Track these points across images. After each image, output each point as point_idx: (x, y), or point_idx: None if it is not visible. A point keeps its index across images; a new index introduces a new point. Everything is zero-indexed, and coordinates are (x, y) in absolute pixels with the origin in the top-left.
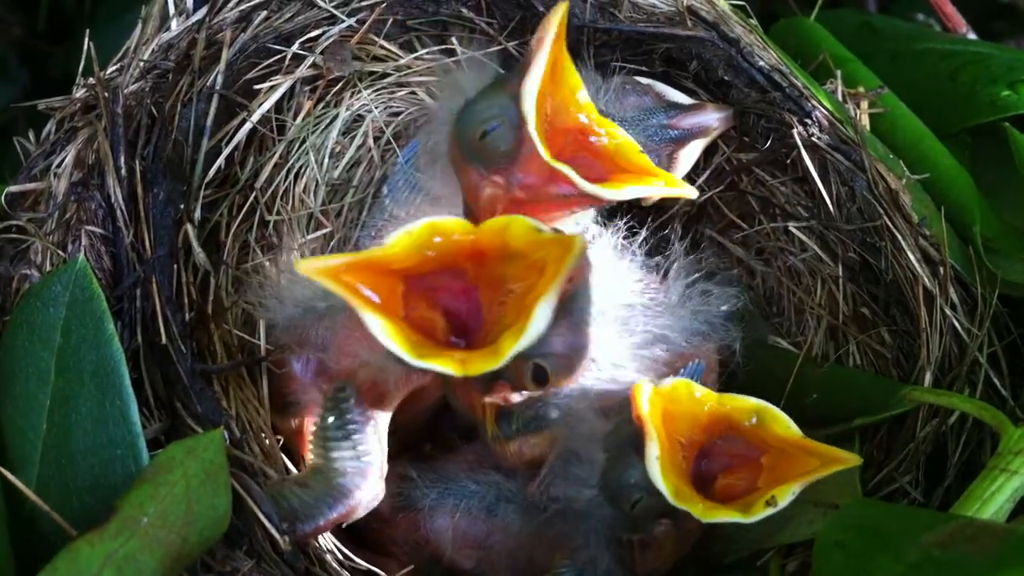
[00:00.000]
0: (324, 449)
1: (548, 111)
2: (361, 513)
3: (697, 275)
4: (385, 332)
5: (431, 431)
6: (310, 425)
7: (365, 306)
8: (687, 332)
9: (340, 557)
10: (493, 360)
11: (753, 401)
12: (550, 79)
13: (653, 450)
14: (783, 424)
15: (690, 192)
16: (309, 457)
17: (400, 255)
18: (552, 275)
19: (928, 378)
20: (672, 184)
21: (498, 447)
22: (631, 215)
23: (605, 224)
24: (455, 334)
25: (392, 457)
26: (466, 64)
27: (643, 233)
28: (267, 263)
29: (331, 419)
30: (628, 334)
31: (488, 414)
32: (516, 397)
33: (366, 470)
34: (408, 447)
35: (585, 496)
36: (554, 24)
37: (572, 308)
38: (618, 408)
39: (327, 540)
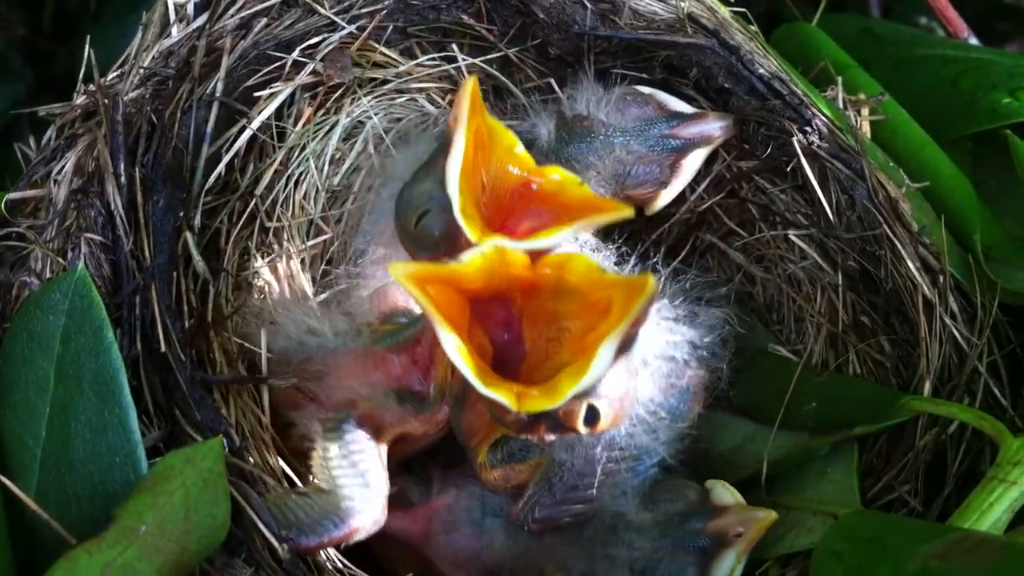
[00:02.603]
0: (330, 477)
1: (485, 179)
2: (361, 537)
3: (683, 299)
4: (459, 354)
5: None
6: (314, 451)
7: (445, 324)
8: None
9: (339, 565)
10: (551, 399)
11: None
12: (479, 149)
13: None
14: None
15: (627, 212)
16: (315, 482)
17: (471, 275)
18: (619, 317)
19: (927, 387)
20: (610, 211)
21: (484, 474)
22: (633, 225)
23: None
24: (495, 364)
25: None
26: (408, 138)
27: (632, 259)
28: (265, 280)
29: (335, 447)
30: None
31: (483, 443)
32: (550, 437)
33: (372, 496)
34: (407, 469)
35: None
36: (465, 100)
37: (627, 353)
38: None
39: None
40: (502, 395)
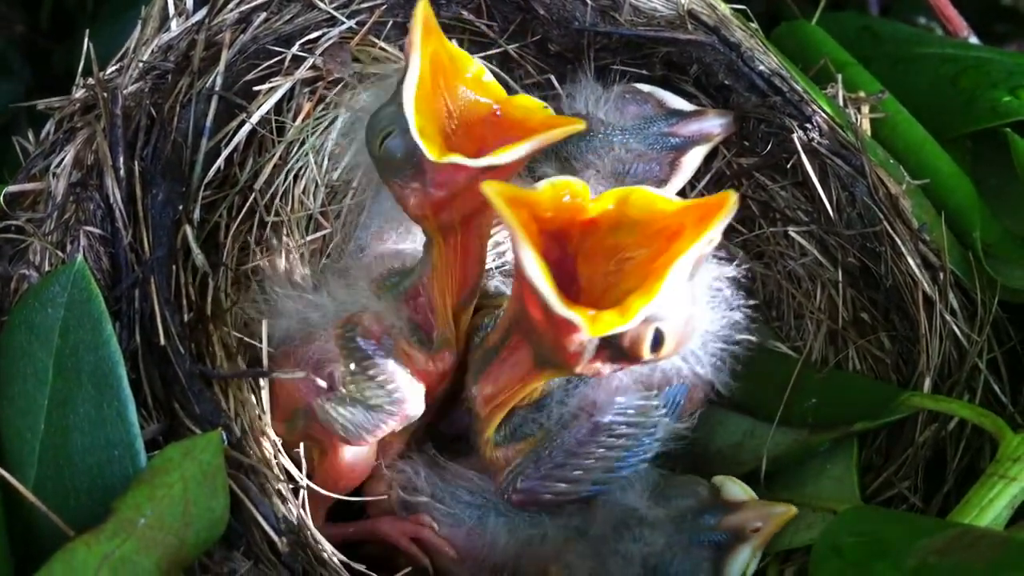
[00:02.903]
0: (358, 389)
1: (452, 106)
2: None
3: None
4: (540, 271)
5: (432, 433)
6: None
7: (528, 242)
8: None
9: (338, 561)
10: (622, 319)
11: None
12: (439, 73)
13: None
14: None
15: (578, 125)
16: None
17: (544, 203)
18: (694, 235)
19: (927, 383)
20: (563, 126)
21: (487, 451)
22: None
23: None
24: None
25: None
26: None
27: None
28: (264, 267)
29: (352, 365)
30: None
31: (498, 412)
32: (607, 369)
33: (397, 400)
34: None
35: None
36: (417, 22)
37: (692, 278)
38: None
39: (326, 543)
40: (578, 314)
